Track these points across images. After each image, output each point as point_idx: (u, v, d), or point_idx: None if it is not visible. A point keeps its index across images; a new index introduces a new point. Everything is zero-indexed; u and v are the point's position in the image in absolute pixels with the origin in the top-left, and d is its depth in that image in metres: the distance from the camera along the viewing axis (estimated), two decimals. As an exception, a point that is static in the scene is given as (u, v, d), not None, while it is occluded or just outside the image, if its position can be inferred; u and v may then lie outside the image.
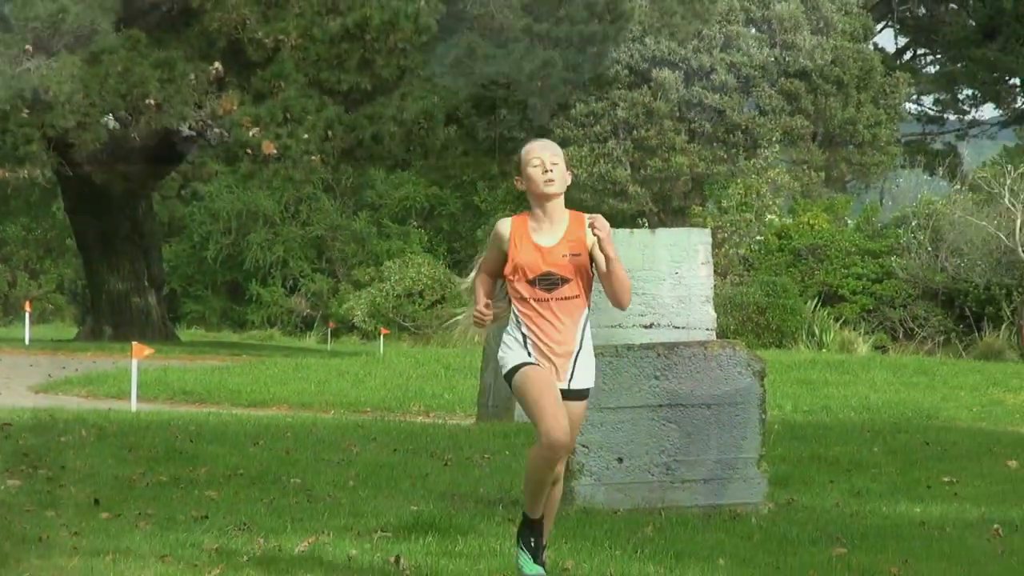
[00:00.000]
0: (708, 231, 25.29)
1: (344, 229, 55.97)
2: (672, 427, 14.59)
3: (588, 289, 8.71)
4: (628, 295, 8.80)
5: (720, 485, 14.81)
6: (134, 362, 27.33)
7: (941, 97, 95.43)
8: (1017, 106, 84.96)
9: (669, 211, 57.12)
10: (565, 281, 8.53)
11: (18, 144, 40.03)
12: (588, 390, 9.02)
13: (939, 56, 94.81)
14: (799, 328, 46.33)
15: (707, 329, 21.32)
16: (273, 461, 18.02)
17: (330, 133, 39.90)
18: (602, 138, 57.48)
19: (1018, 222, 50.85)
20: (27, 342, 50.68)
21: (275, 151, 37.58)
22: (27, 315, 53.87)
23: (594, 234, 8.53)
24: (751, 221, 51.90)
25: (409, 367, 35.94)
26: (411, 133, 39.94)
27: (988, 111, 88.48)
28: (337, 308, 55.91)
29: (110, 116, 45.99)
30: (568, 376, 8.73)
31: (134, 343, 27.18)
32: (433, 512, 13.90)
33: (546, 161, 8.77)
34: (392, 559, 11.77)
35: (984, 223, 52.67)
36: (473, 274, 9.43)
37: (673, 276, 22.00)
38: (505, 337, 9.04)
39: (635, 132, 57.22)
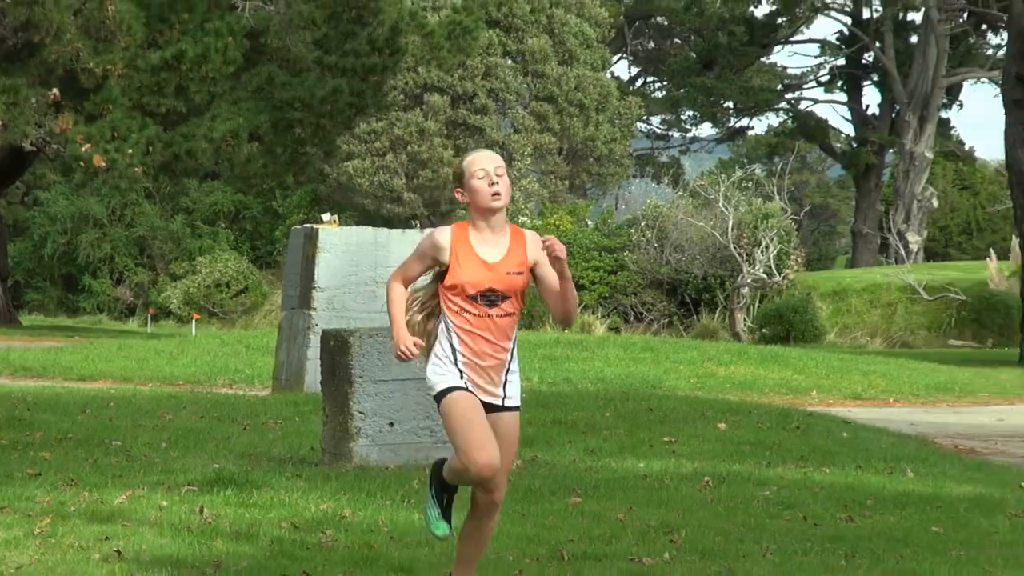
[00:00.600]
0: None
1: (162, 230, 55.92)
2: None
3: (521, 306, 7.70)
4: (576, 310, 7.95)
5: None
6: (-19, 343, 27.37)
7: (667, 118, 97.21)
8: (730, 125, 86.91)
9: (438, 214, 57.56)
10: (506, 298, 7.46)
11: None
12: (519, 407, 7.86)
13: (665, 83, 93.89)
14: (546, 312, 44.96)
15: None
16: (98, 427, 17.93)
17: (151, 149, 39.65)
18: (381, 152, 57.55)
19: (730, 223, 51.83)
20: None
21: (104, 164, 37.49)
22: None
23: (553, 256, 7.43)
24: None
25: (216, 346, 35.71)
26: (219, 149, 39.78)
27: (706, 129, 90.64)
28: (156, 297, 55.63)
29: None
30: (501, 391, 7.60)
31: (-19, 327, 28.10)
32: (233, 469, 14.32)
33: (491, 173, 7.56)
34: (197, 509, 12.21)
35: (702, 224, 54.01)
36: (389, 288, 7.85)
37: None
38: (434, 356, 7.76)
39: (409, 148, 57.36)
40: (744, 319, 49.74)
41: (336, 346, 14.97)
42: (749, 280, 51.46)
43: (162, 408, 20.26)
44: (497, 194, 7.50)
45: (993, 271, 51.17)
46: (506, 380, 7.69)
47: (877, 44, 71.67)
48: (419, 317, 7.72)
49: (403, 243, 22.18)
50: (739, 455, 16.73)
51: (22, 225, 73.65)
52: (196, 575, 10.32)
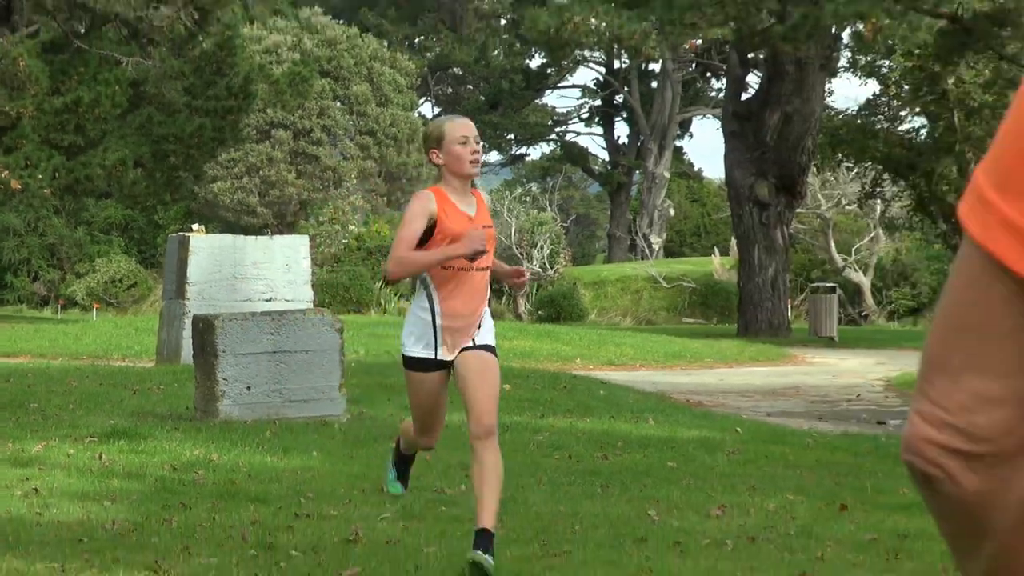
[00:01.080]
0: (307, 238, 25.41)
1: (68, 238, 55.59)
2: (283, 366, 15.13)
3: (492, 264, 7.23)
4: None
5: (316, 404, 15.36)
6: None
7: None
8: (512, 152, 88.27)
9: (284, 224, 58.19)
10: (483, 253, 6.79)
11: None
12: (494, 346, 7.33)
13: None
14: (371, 300, 46.49)
15: (307, 301, 21.69)
16: (19, 392, 17.89)
17: (56, 175, 39.50)
18: (239, 176, 57.56)
19: (513, 229, 52.04)
20: None
21: (20, 187, 38.19)
22: None
23: (518, 282, 7.61)
24: (339, 230, 52.21)
25: (111, 329, 35.29)
26: (111, 174, 39.93)
27: (493, 156, 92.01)
28: (64, 290, 55.36)
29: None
30: (473, 335, 7.07)
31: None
32: (125, 424, 14.55)
33: (471, 139, 6.92)
34: (97, 456, 12.70)
35: (491, 230, 55.30)
36: (392, 256, 7.04)
37: (285, 267, 22.14)
38: (412, 318, 7.33)
39: (261, 172, 57.79)
40: (525, 304, 49.73)
41: (204, 327, 15.11)
42: (528, 274, 50.26)
43: (69, 377, 20.34)
44: (475, 161, 6.96)
45: (717, 265, 52.51)
46: (480, 327, 7.19)
47: (625, 88, 73.06)
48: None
49: (256, 247, 22.78)
50: (519, 409, 16.91)
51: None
52: (97, 507, 10.53)
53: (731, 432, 15.98)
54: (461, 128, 6.93)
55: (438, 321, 6.99)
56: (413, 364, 7.24)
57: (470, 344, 7.12)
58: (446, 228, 6.79)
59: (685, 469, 12.96)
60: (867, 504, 11.02)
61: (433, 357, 7.11)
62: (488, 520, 7.25)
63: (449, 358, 7.13)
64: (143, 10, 40.98)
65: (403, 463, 8.51)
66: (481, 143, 7.13)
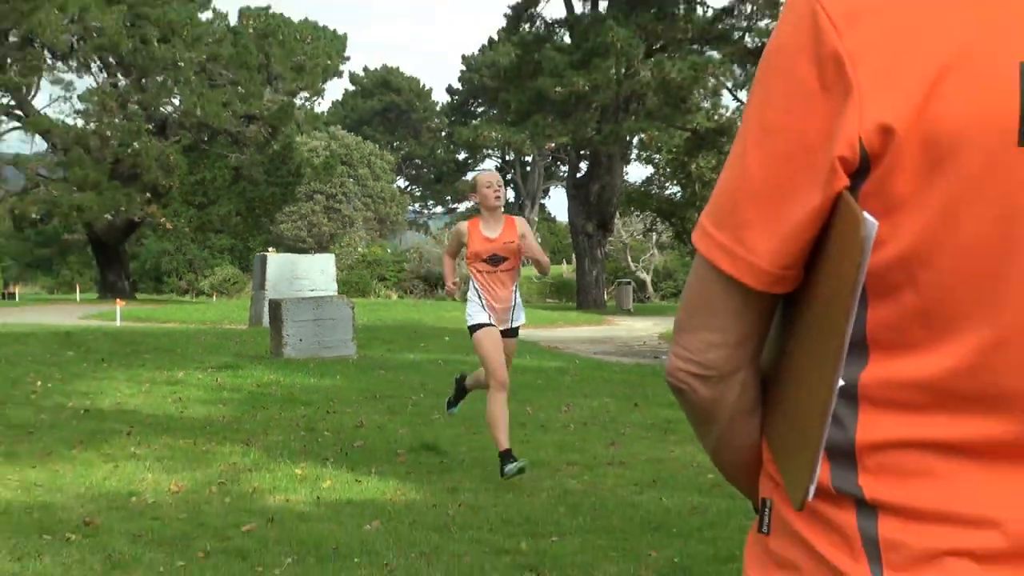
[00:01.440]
0: (333, 256, 27.51)
1: (199, 256, 58.86)
2: (319, 327, 16.77)
3: (519, 264, 7.70)
4: (546, 268, 7.74)
5: (338, 348, 16.69)
6: None
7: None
8: (450, 207, 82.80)
9: (321, 248, 57.15)
10: (504, 259, 7.52)
11: None
12: (518, 328, 7.92)
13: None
14: (370, 290, 47.98)
15: (334, 291, 23.62)
16: (171, 342, 19.23)
17: (192, 220, 46.93)
18: (295, 220, 59.94)
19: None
20: None
21: (171, 227, 46.05)
22: None
23: (521, 249, 7.56)
24: (351, 251, 54.64)
25: (224, 307, 36.75)
26: (223, 220, 47.86)
27: (438, 209, 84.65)
28: (197, 285, 55.75)
29: None
30: (510, 320, 7.72)
31: None
32: (231, 360, 15.84)
33: (494, 183, 7.65)
34: (215, 379, 13.87)
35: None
36: (444, 261, 8.21)
37: (320, 272, 25.06)
38: (470, 300, 7.78)
39: (307, 218, 60.75)
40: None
41: (275, 306, 16.87)
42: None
43: (200, 334, 21.90)
44: (498, 199, 7.53)
45: (565, 269, 56.56)
46: (513, 315, 7.74)
47: (512, 170, 76.12)
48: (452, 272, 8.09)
49: (304, 261, 25.95)
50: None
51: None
52: (214, 408, 11.88)
53: (573, 363, 17.39)
54: (487, 177, 7.68)
55: (484, 302, 7.59)
56: (477, 328, 7.62)
57: (507, 326, 7.72)
58: (471, 246, 7.57)
59: (547, 384, 14.20)
60: (649, 403, 12.25)
61: (487, 321, 7.60)
62: (505, 443, 7.74)
63: (497, 326, 7.67)
64: (240, 127, 47.39)
65: (461, 395, 8.71)
66: (502, 186, 7.71)
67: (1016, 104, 1.26)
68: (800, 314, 1.44)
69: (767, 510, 1.49)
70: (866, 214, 1.28)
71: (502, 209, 7.60)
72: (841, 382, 1.37)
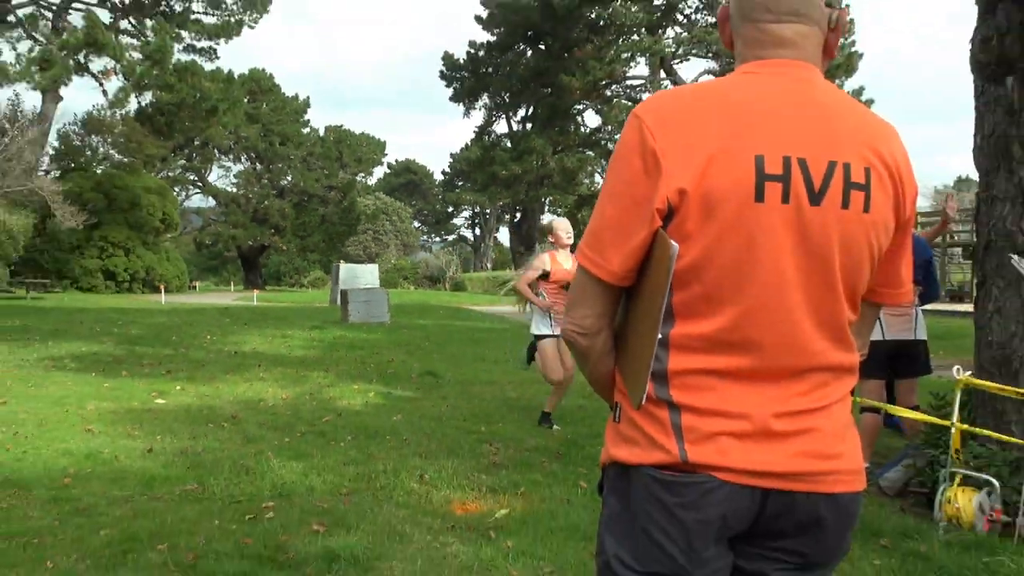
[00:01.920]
0: (377, 265, 28.64)
1: (302, 264, 58.42)
2: (369, 304, 16.80)
3: None
4: None
5: (379, 317, 16.15)
6: None
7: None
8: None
9: (370, 260, 51.60)
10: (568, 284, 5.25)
11: None
12: None
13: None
14: (398, 284, 41.71)
15: (378, 286, 22.11)
16: (281, 314, 18.87)
17: (295, 244, 50.95)
18: (354, 246, 57.12)
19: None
20: None
21: (284, 248, 50.02)
22: None
23: None
24: (391, 263, 52.32)
25: (315, 294, 35.86)
26: (315, 246, 52.35)
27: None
28: (299, 281, 55.61)
29: None
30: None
31: None
32: (318, 324, 15.39)
33: (568, 230, 6.78)
34: (309, 335, 13.54)
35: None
36: (519, 283, 6.89)
37: (371, 274, 25.97)
38: (537, 315, 6.78)
39: (363, 244, 58.18)
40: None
41: (344, 293, 17.26)
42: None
43: (301, 309, 20.51)
44: (570, 239, 6.69)
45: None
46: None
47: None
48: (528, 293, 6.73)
49: (361, 268, 26.42)
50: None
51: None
52: (310, 351, 11.75)
53: (508, 325, 14.94)
54: (565, 225, 6.76)
55: (552, 317, 6.68)
56: (541, 338, 6.75)
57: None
58: (554, 274, 6.65)
59: (493, 339, 13.85)
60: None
61: (550, 333, 6.68)
62: (548, 409, 6.98)
63: (557, 333, 6.53)
64: (325, 193, 52.65)
65: (546, 417, 7.10)
66: (572, 232, 6.75)
67: (752, 178, 1.39)
68: (636, 297, 1.49)
69: (618, 409, 1.54)
70: (672, 241, 1.40)
71: (571, 249, 6.62)
72: (660, 336, 1.45)
